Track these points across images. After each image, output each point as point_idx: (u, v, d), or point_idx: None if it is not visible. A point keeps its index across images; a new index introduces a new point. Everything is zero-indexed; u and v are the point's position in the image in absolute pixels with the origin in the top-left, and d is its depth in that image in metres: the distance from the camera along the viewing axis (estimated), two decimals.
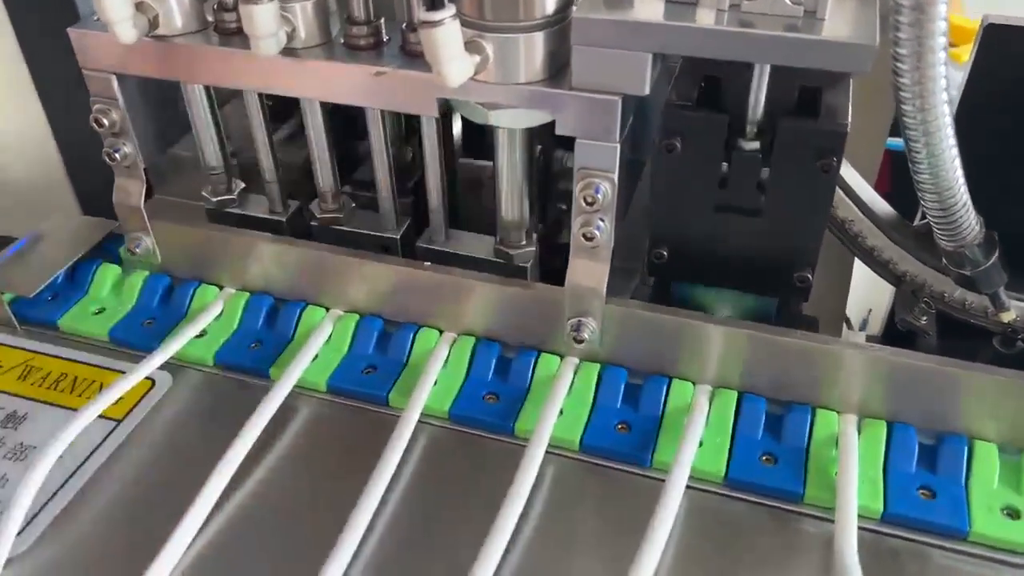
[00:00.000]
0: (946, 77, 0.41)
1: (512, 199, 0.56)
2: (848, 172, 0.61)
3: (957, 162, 0.45)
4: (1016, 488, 0.49)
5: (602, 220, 0.51)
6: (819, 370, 0.52)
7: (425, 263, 0.58)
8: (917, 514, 0.48)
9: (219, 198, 0.64)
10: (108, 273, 0.65)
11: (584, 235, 0.51)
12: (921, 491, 0.49)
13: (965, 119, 0.57)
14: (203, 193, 0.64)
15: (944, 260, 0.53)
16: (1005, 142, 0.58)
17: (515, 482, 0.49)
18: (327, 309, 0.61)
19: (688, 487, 0.51)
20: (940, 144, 0.43)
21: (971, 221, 0.48)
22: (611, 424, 0.54)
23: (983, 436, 0.51)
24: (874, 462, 0.51)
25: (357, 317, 0.60)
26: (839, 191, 0.60)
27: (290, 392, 0.56)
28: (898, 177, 0.57)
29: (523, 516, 0.48)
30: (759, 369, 0.54)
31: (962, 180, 0.46)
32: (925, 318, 0.60)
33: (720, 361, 0.54)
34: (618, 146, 0.48)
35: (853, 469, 0.49)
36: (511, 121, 0.50)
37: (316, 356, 0.58)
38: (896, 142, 0.76)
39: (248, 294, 0.63)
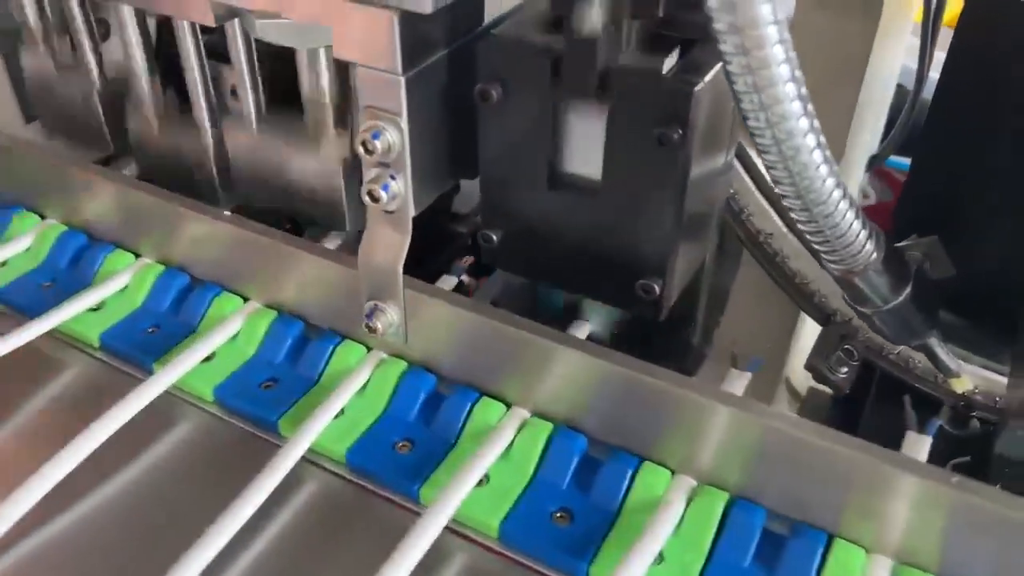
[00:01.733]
0: None
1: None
2: None
3: (807, 122, 0.30)
4: None
5: (393, 177, 0.40)
6: (663, 416, 0.40)
7: (224, 212, 0.48)
8: None
9: None
10: None
11: (369, 193, 0.40)
12: None
13: (943, 105, 0.44)
14: None
15: (843, 295, 0.39)
16: (987, 135, 0.43)
17: (248, 489, 0.39)
18: (137, 256, 0.53)
19: (458, 534, 0.40)
20: (775, 88, 0.29)
21: (855, 230, 0.35)
22: (390, 440, 0.43)
23: (852, 537, 0.37)
24: (697, 544, 0.38)
25: (160, 269, 0.51)
26: (754, 193, 0.47)
27: (58, 343, 0.49)
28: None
29: (256, 529, 0.39)
30: (590, 401, 0.41)
31: (827, 161, 0.32)
32: (845, 370, 0.46)
33: (545, 383, 0.42)
34: (402, 79, 0.37)
35: (654, 546, 0.36)
36: (282, 35, 0.40)
37: (102, 305, 0.50)
38: (899, 160, 0.63)
39: (64, 228, 0.55)
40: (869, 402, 0.49)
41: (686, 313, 0.48)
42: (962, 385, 0.45)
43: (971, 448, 0.45)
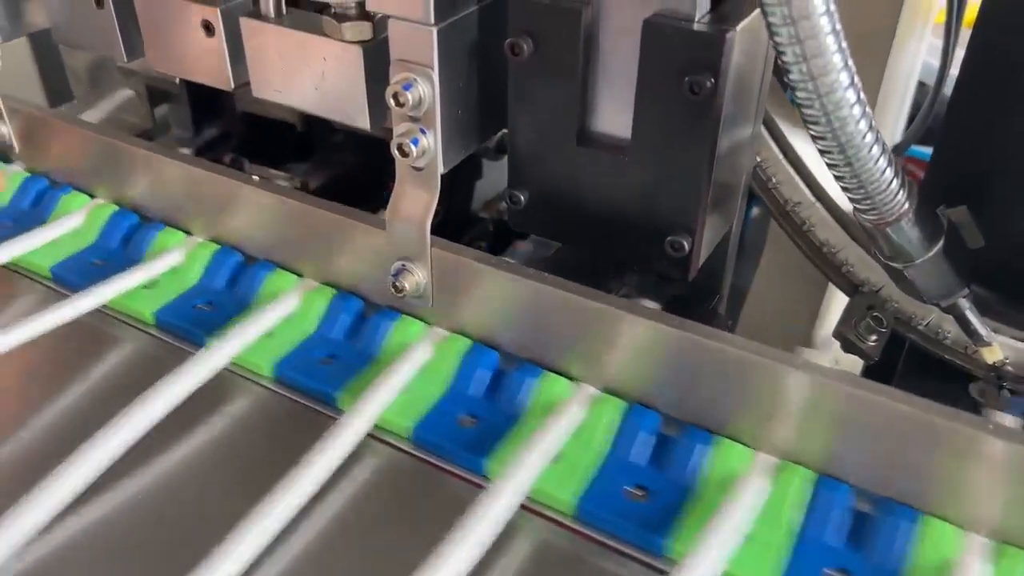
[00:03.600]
0: None
1: None
2: (801, 140, 0.45)
3: (839, 58, 0.29)
4: None
5: (424, 132, 0.38)
6: (741, 389, 0.37)
7: (253, 176, 0.47)
8: None
9: None
10: None
11: (399, 147, 0.39)
12: (837, 573, 0.34)
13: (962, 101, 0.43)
14: None
15: (874, 250, 0.37)
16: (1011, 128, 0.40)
17: (307, 460, 0.37)
18: (188, 234, 0.52)
19: (528, 509, 0.38)
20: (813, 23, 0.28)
21: (887, 177, 0.33)
22: (454, 415, 0.41)
23: (942, 514, 0.34)
24: (780, 521, 0.35)
25: (215, 248, 0.50)
26: (782, 162, 0.45)
27: (111, 320, 0.48)
28: None
29: (320, 501, 0.38)
30: (663, 376, 0.39)
31: (863, 106, 0.30)
32: (874, 338, 0.43)
33: (612, 357, 0.40)
34: (434, 30, 0.36)
35: (734, 522, 0.34)
36: None
37: (155, 284, 0.49)
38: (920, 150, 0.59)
39: (115, 208, 0.54)
40: (897, 376, 0.46)
41: (712, 287, 0.46)
42: (993, 355, 0.42)
43: None
